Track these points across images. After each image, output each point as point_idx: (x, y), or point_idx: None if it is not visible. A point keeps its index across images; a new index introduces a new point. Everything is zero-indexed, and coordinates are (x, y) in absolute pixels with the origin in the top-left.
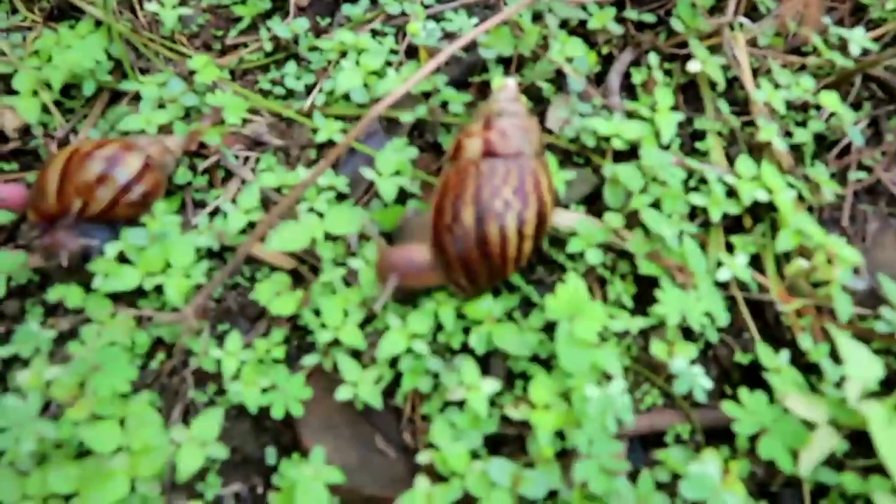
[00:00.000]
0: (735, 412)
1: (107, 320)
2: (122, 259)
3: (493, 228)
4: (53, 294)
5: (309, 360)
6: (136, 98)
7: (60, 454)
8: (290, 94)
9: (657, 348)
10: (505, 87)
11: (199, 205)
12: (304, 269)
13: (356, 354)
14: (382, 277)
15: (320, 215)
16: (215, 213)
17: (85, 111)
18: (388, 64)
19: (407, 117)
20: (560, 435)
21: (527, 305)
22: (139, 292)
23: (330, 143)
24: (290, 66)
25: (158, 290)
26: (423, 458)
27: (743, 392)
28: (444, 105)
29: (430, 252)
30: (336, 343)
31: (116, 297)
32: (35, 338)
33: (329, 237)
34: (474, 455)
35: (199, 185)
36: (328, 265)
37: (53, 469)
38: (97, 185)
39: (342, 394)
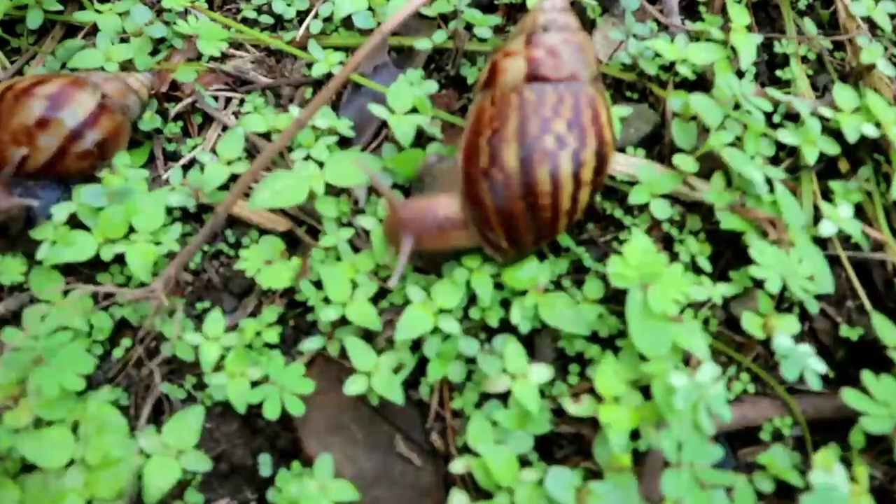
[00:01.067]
0: (860, 403)
1: (55, 299)
2: (75, 224)
3: (542, 173)
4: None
5: (309, 345)
6: (94, 31)
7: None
8: (279, 23)
9: (750, 322)
10: None
11: (172, 157)
12: (300, 232)
13: (368, 336)
14: (395, 238)
15: (320, 164)
16: (190, 165)
17: (34, 50)
18: None
19: (424, 44)
20: (632, 434)
21: (577, 272)
22: (97, 264)
23: (329, 79)
24: None
25: (120, 260)
26: (458, 466)
27: (868, 377)
28: (468, 29)
29: (460, 204)
30: (343, 322)
31: (68, 271)
32: None
33: (331, 191)
34: (523, 462)
35: (172, 133)
36: (330, 225)
37: None
38: (38, 129)
39: (353, 386)
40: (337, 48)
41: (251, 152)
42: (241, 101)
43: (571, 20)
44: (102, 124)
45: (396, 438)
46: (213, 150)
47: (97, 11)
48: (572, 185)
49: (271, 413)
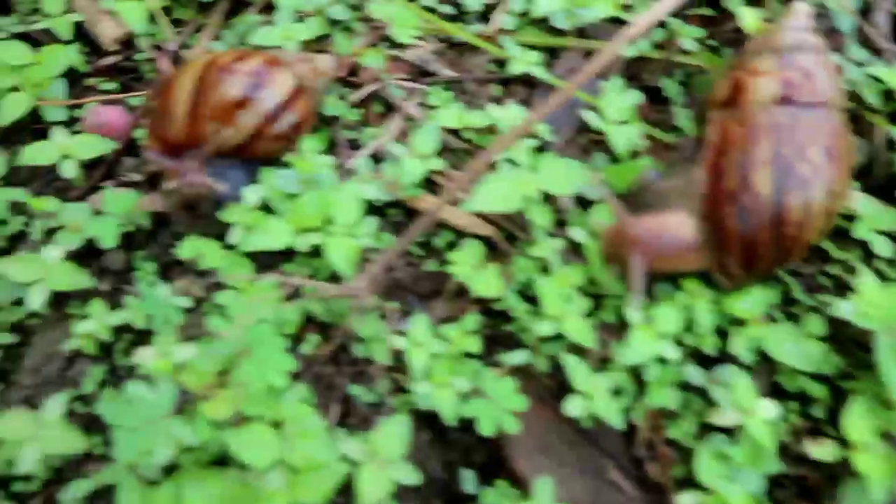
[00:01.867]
0: None
1: (244, 287)
2: (262, 209)
3: (795, 201)
4: (187, 249)
5: (515, 358)
6: (267, 8)
7: (191, 460)
8: (460, 13)
9: None
10: (796, 12)
11: (352, 146)
12: (498, 238)
13: (575, 351)
14: (619, 255)
15: (528, 169)
16: (376, 156)
17: (199, 21)
18: None
19: (630, 52)
20: None
21: (786, 303)
22: (280, 252)
23: (521, 79)
24: None
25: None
26: (687, 501)
27: None
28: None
29: (695, 226)
30: (553, 338)
31: (252, 259)
32: (161, 306)
33: (540, 198)
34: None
35: (350, 120)
36: (541, 234)
37: (189, 482)
38: (239, 108)
39: (572, 407)
40: (527, 46)
41: (442, 148)
42: (426, 93)
43: (820, 41)
44: (298, 107)
45: (606, 464)
46: (399, 142)
47: None
48: (823, 216)
49: (487, 430)
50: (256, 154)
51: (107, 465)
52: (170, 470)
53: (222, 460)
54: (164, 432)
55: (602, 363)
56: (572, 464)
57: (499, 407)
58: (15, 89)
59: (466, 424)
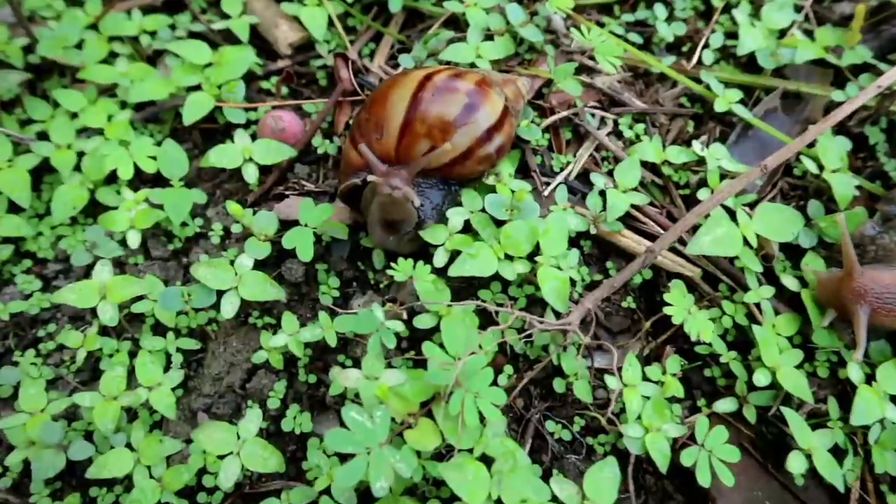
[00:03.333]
0: None
1: (442, 311)
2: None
3: None
4: (401, 269)
5: (723, 407)
6: (449, 22)
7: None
8: (646, 43)
9: None
10: None
11: (542, 170)
12: (696, 278)
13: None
14: (837, 305)
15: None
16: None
17: (372, 31)
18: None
19: (837, 96)
20: None
21: None
22: (473, 279)
23: (715, 115)
24: (659, 9)
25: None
26: None
27: None
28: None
29: None
30: (753, 387)
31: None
32: (373, 324)
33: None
34: None
35: (538, 144)
36: (752, 280)
37: None
38: (456, 126)
39: (795, 464)
40: (725, 83)
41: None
42: (615, 122)
43: None
44: (505, 129)
45: None
46: (595, 172)
47: (461, 2)
48: None
49: (704, 479)
50: (458, 175)
51: (294, 488)
52: (363, 497)
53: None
54: (382, 462)
55: (816, 418)
56: None
57: (714, 456)
58: (197, 88)
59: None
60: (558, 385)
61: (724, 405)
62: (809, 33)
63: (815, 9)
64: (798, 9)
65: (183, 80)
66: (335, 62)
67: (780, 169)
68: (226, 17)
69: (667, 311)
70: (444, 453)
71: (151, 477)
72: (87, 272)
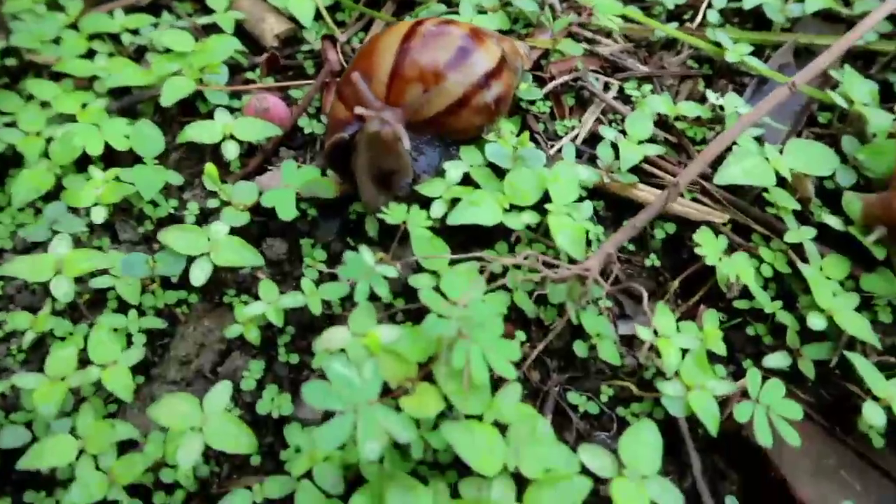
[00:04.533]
0: None
1: (442, 269)
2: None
3: None
4: (394, 214)
5: (774, 361)
6: (441, 2)
7: (374, 469)
8: (645, 11)
9: None
10: None
11: (546, 136)
12: (721, 226)
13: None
14: (890, 218)
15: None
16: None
17: (362, 22)
18: None
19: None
20: None
21: None
22: (476, 239)
23: (724, 74)
24: None
25: (505, 235)
26: None
27: None
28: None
29: None
30: (808, 337)
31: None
32: (365, 270)
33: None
34: None
35: (539, 111)
36: (791, 221)
37: (394, 491)
38: (449, 70)
39: (875, 415)
40: (737, 41)
41: (653, 138)
42: (620, 88)
43: None
44: (503, 78)
45: None
46: (610, 128)
47: None
48: None
49: (765, 439)
50: (454, 129)
51: (268, 479)
52: (352, 484)
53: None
54: (372, 420)
55: (885, 371)
56: (862, 492)
57: (774, 413)
58: (178, 74)
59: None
60: (579, 349)
61: (776, 360)
62: None
63: None
64: None
65: (164, 67)
66: (322, 45)
67: (802, 119)
68: (210, 12)
69: (698, 252)
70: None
71: (98, 469)
72: None
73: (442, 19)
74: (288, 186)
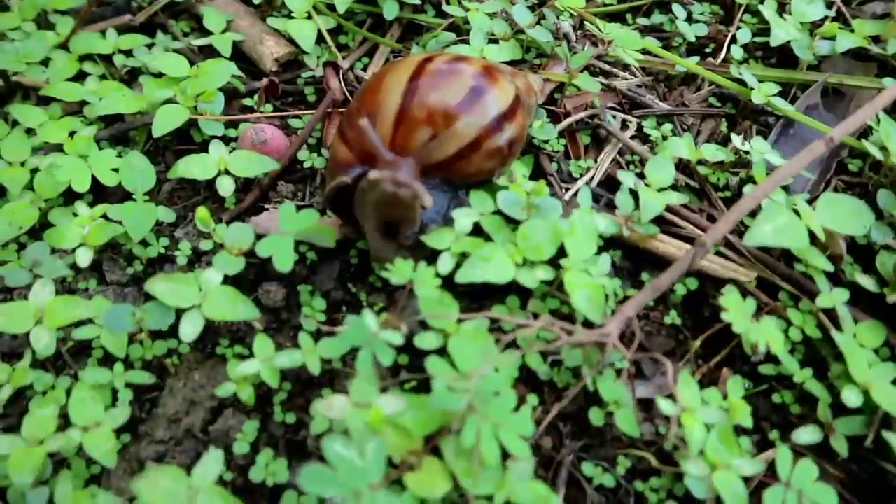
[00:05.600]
0: None
1: (450, 329)
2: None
3: None
4: (399, 272)
5: (806, 437)
6: (450, 30)
7: None
8: (664, 48)
9: None
10: None
11: (560, 176)
12: (748, 284)
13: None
14: None
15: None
16: (599, 187)
17: (365, 47)
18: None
19: (888, 83)
20: None
21: None
22: (488, 294)
23: (747, 114)
24: (678, 9)
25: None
26: None
27: None
28: None
29: None
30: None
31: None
32: (368, 337)
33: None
34: None
35: (553, 150)
36: (823, 282)
37: None
38: (460, 112)
39: None
40: (761, 80)
41: (675, 185)
42: (639, 126)
43: None
44: (518, 119)
45: None
46: (631, 172)
47: (465, 8)
48: None
49: None
50: (464, 174)
51: None
52: None
53: None
54: None
55: None
56: None
57: (805, 498)
58: (171, 101)
59: None
60: (595, 417)
61: (806, 435)
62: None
63: (844, 9)
64: (829, 5)
65: (156, 93)
66: (325, 72)
67: (831, 166)
68: (208, 34)
69: (725, 317)
70: (455, 503)
71: None
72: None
73: (453, 55)
74: (286, 233)
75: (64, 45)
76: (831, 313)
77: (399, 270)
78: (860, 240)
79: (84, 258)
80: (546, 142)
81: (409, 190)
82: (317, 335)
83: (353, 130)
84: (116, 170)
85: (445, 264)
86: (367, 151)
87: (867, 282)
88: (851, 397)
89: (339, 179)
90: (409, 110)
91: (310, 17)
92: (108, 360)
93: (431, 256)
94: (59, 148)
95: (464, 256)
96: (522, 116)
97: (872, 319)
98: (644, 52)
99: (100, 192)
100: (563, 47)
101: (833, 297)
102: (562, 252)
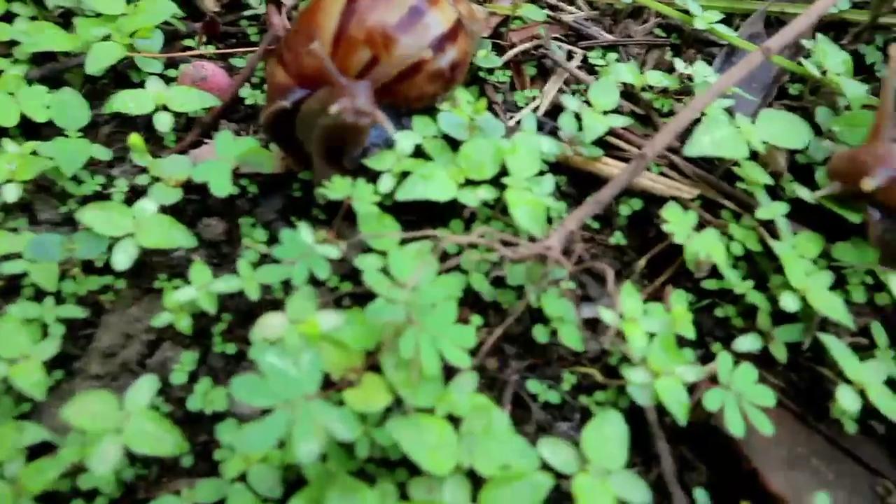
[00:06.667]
0: None
1: (390, 249)
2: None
3: None
4: (337, 187)
5: (746, 344)
6: None
7: (321, 470)
8: None
9: None
10: None
11: (508, 107)
12: (688, 202)
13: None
14: (854, 170)
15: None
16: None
17: None
18: None
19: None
20: None
21: None
22: (430, 217)
23: (692, 44)
24: None
25: (461, 214)
26: None
27: None
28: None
29: None
30: (780, 319)
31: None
32: (304, 251)
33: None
34: None
35: (499, 81)
36: (763, 196)
37: (335, 495)
38: (400, 32)
39: (849, 400)
40: (705, 8)
41: (619, 109)
42: (584, 57)
43: None
44: (459, 43)
45: (874, 483)
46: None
47: None
48: None
49: (738, 429)
50: (406, 97)
51: (199, 482)
52: (292, 486)
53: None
54: (309, 417)
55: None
56: (835, 482)
57: (746, 400)
58: (107, 39)
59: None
60: (540, 334)
61: (747, 343)
62: None
63: None
64: None
65: (91, 31)
66: (267, 8)
67: (773, 91)
68: None
69: (666, 229)
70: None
71: (2, 477)
72: None
73: None
74: (223, 159)
75: None
76: (771, 227)
77: (337, 186)
78: (800, 158)
79: (12, 194)
80: (491, 72)
81: (370, 118)
82: (257, 264)
83: (290, 53)
84: (48, 107)
85: (386, 183)
86: (309, 76)
87: (806, 194)
88: (789, 302)
89: (278, 104)
90: (348, 30)
91: None
92: (39, 298)
93: (372, 181)
94: None
95: (405, 177)
96: (465, 42)
97: (811, 231)
98: None
99: (31, 133)
100: None
101: (773, 210)
102: (504, 173)
